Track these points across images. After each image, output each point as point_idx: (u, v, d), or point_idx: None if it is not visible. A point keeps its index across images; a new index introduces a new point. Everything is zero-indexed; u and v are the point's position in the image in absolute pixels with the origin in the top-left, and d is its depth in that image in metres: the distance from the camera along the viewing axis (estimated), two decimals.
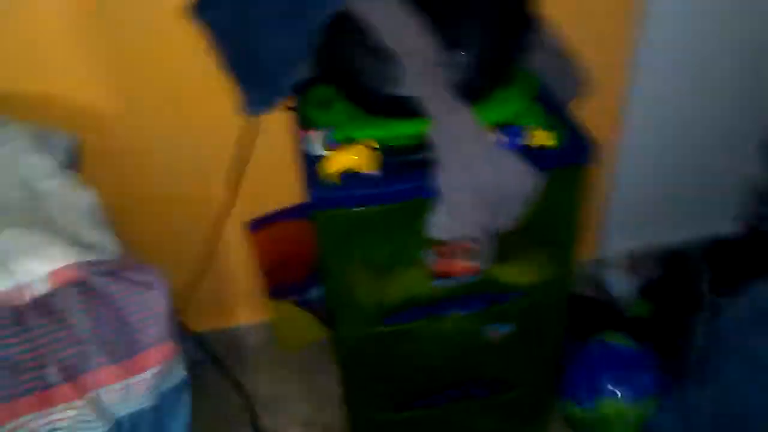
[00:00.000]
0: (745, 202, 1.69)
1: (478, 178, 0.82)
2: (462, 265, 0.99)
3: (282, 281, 1.48)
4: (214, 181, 1.30)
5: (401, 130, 0.91)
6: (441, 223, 0.86)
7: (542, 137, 0.89)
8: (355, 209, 0.86)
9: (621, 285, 1.67)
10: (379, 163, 0.89)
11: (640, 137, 1.48)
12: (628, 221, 1.68)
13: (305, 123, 0.96)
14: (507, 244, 0.96)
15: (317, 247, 0.92)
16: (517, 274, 1.03)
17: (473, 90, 0.88)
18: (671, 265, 1.63)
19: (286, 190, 1.28)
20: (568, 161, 0.89)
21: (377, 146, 0.89)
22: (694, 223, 1.73)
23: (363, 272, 0.98)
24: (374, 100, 0.90)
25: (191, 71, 1.16)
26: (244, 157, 1.20)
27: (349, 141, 0.89)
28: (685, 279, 1.54)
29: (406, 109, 0.88)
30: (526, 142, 0.89)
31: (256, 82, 1.01)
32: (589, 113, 1.04)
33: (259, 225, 1.35)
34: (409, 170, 0.88)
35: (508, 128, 0.90)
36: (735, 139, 1.56)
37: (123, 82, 1.17)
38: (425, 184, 0.85)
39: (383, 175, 0.88)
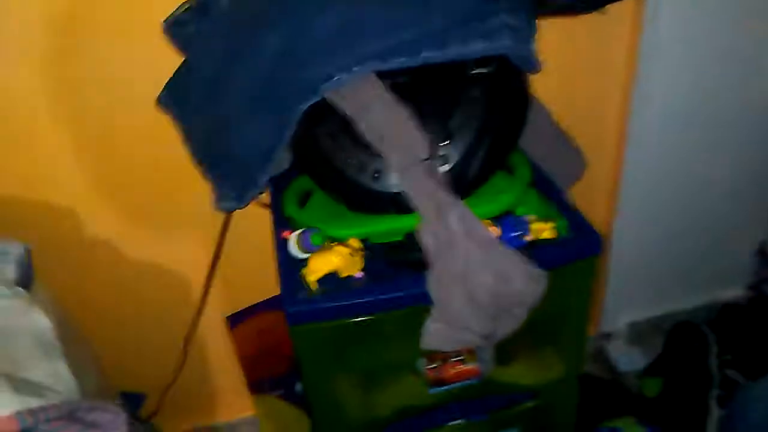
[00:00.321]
0: (750, 265, 1.61)
1: (477, 285, 0.73)
2: (461, 369, 0.89)
3: (265, 375, 1.38)
4: (189, 277, 1.21)
5: (387, 227, 0.82)
6: (437, 334, 0.77)
7: (543, 229, 0.81)
8: (336, 322, 0.76)
9: (626, 360, 1.58)
10: (364, 265, 0.80)
11: (638, 204, 1.40)
12: (629, 291, 1.59)
13: (281, 222, 0.87)
14: (510, 344, 0.86)
15: (297, 360, 0.82)
16: (522, 375, 0.93)
17: (467, 183, 0.80)
18: (677, 336, 1.54)
19: (267, 280, 1.19)
20: (576, 256, 0.80)
21: (361, 246, 0.80)
22: (698, 289, 1.65)
23: (350, 384, 0.87)
24: (356, 196, 0.82)
25: (160, 163, 1.07)
26: (219, 249, 1.11)
27: (330, 241, 0.80)
28: (693, 352, 1.44)
29: (393, 205, 0.80)
30: (526, 236, 0.80)
31: (228, 175, 0.93)
32: (583, 184, 0.98)
33: (238, 319, 1.27)
34: (398, 273, 0.79)
35: (505, 221, 0.81)
36: (738, 202, 1.49)
37: (88, 174, 1.08)
38: (417, 290, 0.75)
39: (368, 280, 0.79)
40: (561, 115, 0.99)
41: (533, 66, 0.82)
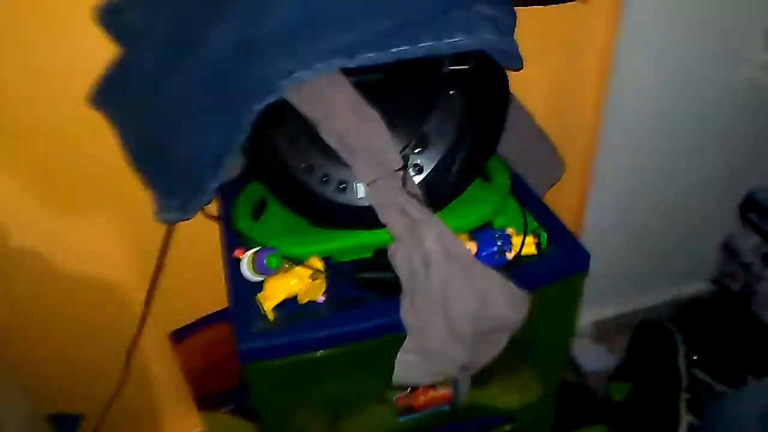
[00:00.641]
0: (714, 260, 1.59)
1: (458, 311, 0.65)
2: (433, 396, 0.81)
3: (214, 390, 1.28)
4: (130, 288, 1.09)
5: (354, 243, 0.73)
6: (411, 366, 0.69)
7: (524, 244, 0.73)
8: (296, 357, 0.67)
9: (592, 360, 1.53)
10: (327, 288, 0.71)
11: (607, 199, 1.35)
12: (594, 289, 1.54)
13: (232, 237, 0.77)
14: (486, 366, 0.78)
15: (249, 394, 0.73)
16: (498, 397, 0.86)
17: (442, 194, 0.72)
18: (643, 335, 1.50)
19: (213, 290, 1.08)
20: (561, 274, 0.73)
21: (323, 267, 0.71)
22: (663, 285, 1.62)
23: (311, 417, 0.78)
24: (319, 210, 0.72)
25: (97, 165, 0.95)
26: (161, 260, 1.00)
27: (289, 260, 0.71)
28: (660, 353, 1.41)
29: (360, 219, 0.71)
30: (506, 252, 0.72)
31: (171, 183, 0.82)
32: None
33: (183, 334, 1.16)
34: (366, 296, 0.70)
35: (483, 236, 0.74)
36: (705, 196, 1.45)
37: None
38: (389, 318, 0.67)
39: (332, 306, 0.70)
40: (531, 108, 0.92)
41: (515, 62, 0.74)
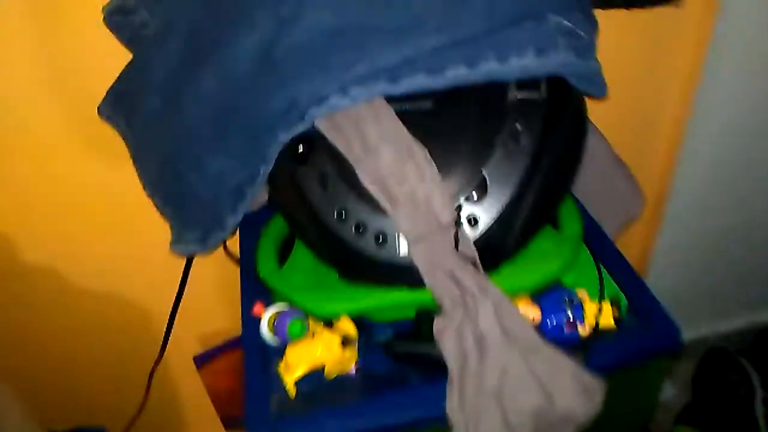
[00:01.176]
0: None
1: (517, 404, 0.53)
2: None
3: (241, 411, 1.20)
4: (150, 309, 1.01)
5: (394, 301, 0.61)
6: None
7: (600, 314, 0.60)
8: None
9: None
10: (358, 359, 0.60)
11: (683, 221, 1.20)
12: None
13: (252, 284, 0.66)
14: None
15: None
16: None
17: (502, 252, 0.59)
18: (711, 367, 1.34)
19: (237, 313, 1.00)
20: (645, 355, 0.60)
21: (354, 332, 0.59)
22: (734, 312, 1.46)
23: None
24: (352, 264, 0.60)
25: (115, 180, 0.85)
26: (183, 282, 0.91)
27: (315, 320, 0.60)
28: (734, 394, 1.25)
29: (400, 278, 0.59)
30: (577, 324, 0.59)
31: (188, 214, 0.71)
32: None
33: (206, 358, 1.08)
34: (403, 373, 0.58)
35: (549, 301, 0.61)
36: None
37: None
38: (433, 405, 0.55)
39: (363, 383, 0.58)
40: (604, 126, 0.77)
41: (598, 88, 0.60)
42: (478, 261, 0.56)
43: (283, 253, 0.69)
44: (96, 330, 1.07)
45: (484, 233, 0.57)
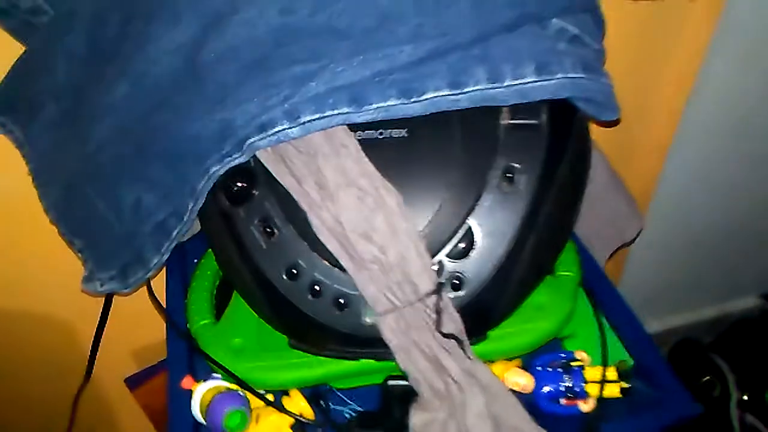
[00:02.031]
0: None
1: None
2: None
3: None
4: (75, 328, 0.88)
5: (357, 368, 0.50)
6: None
7: (603, 381, 0.50)
8: None
9: None
10: None
11: (667, 211, 1.12)
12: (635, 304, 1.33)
13: (179, 345, 0.54)
14: None
15: None
16: None
17: (491, 317, 0.48)
18: (683, 361, 1.29)
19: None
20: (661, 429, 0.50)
21: (308, 411, 0.48)
22: (706, 301, 1.41)
23: None
24: (302, 331, 0.48)
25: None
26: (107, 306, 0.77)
27: (260, 397, 0.48)
28: (707, 394, 1.20)
29: (364, 349, 0.47)
30: (578, 397, 0.49)
31: (102, 248, 0.58)
32: None
33: (139, 380, 0.96)
34: None
35: (543, 363, 0.51)
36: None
37: None
38: None
39: None
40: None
41: (609, 111, 0.49)
42: (464, 334, 0.45)
43: (221, 300, 0.56)
44: (15, 352, 0.93)
45: (472, 297, 0.46)
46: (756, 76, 0.92)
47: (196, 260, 0.63)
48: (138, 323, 0.90)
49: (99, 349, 0.80)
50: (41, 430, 0.98)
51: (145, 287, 0.61)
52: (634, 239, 0.70)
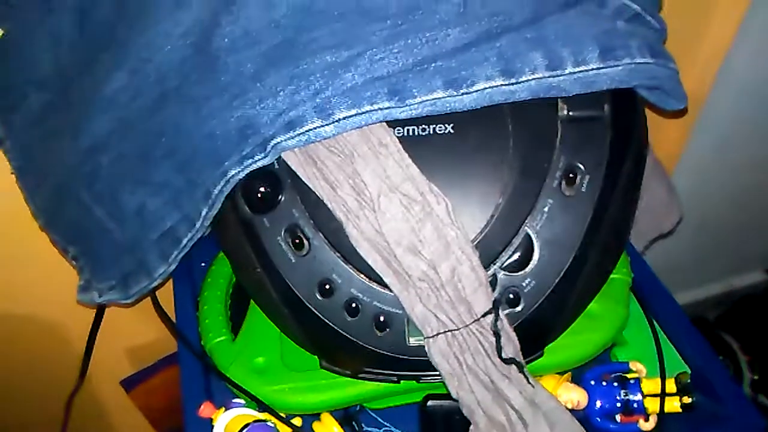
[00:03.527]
0: None
1: None
2: None
3: (178, 425, 1.06)
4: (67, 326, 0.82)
5: (394, 387, 0.45)
6: None
7: (664, 398, 0.45)
8: None
9: None
10: None
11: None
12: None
13: (193, 363, 0.48)
14: None
15: None
16: None
17: (549, 334, 0.43)
18: None
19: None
20: None
21: None
22: (712, 277, 1.38)
23: None
24: (339, 353, 0.43)
25: None
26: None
27: (291, 426, 0.43)
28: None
29: (408, 370, 0.42)
30: (635, 413, 0.45)
31: (100, 257, 0.52)
32: None
33: (135, 381, 0.92)
34: None
35: (595, 377, 0.46)
36: None
37: None
38: None
39: None
40: None
41: (677, 99, 0.43)
42: (521, 356, 0.40)
43: (236, 311, 0.50)
44: (5, 352, 0.87)
45: (529, 314, 0.41)
46: None
47: (203, 263, 0.57)
48: (133, 321, 0.85)
49: (93, 348, 0.75)
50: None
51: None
52: (672, 230, 0.65)
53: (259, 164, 0.41)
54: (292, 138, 0.39)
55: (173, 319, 0.54)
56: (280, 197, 0.41)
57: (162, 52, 0.43)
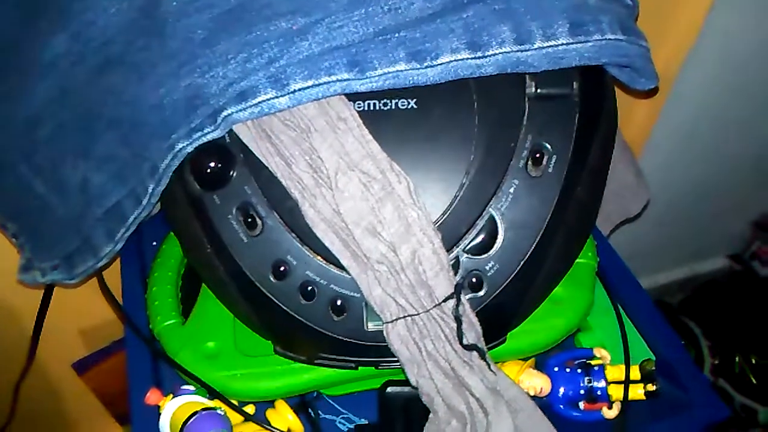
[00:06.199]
0: (738, 237, 1.37)
1: None
2: None
3: None
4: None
5: (351, 374, 0.43)
6: None
7: (626, 380, 0.44)
8: None
9: None
10: None
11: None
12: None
13: (140, 349, 0.46)
14: None
15: None
16: None
17: (511, 319, 0.41)
18: None
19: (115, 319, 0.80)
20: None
21: (297, 425, 0.41)
22: (674, 262, 1.40)
23: None
24: (293, 338, 0.41)
25: None
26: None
27: (243, 414, 0.41)
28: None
29: (364, 357, 0.41)
30: (598, 400, 0.44)
31: (41, 234, 0.49)
32: None
33: (87, 364, 0.89)
34: None
35: (559, 363, 0.45)
36: (746, 173, 1.20)
37: None
38: None
39: None
40: None
41: (647, 79, 0.42)
42: (483, 342, 0.38)
43: (188, 294, 0.48)
44: None
45: (492, 298, 0.39)
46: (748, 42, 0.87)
47: (155, 243, 0.54)
48: (85, 301, 0.81)
49: (42, 330, 0.71)
50: None
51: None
52: (639, 214, 0.64)
53: (209, 137, 0.38)
54: (244, 110, 0.36)
55: (120, 301, 0.51)
56: (231, 173, 0.39)
57: (106, 14, 0.40)
